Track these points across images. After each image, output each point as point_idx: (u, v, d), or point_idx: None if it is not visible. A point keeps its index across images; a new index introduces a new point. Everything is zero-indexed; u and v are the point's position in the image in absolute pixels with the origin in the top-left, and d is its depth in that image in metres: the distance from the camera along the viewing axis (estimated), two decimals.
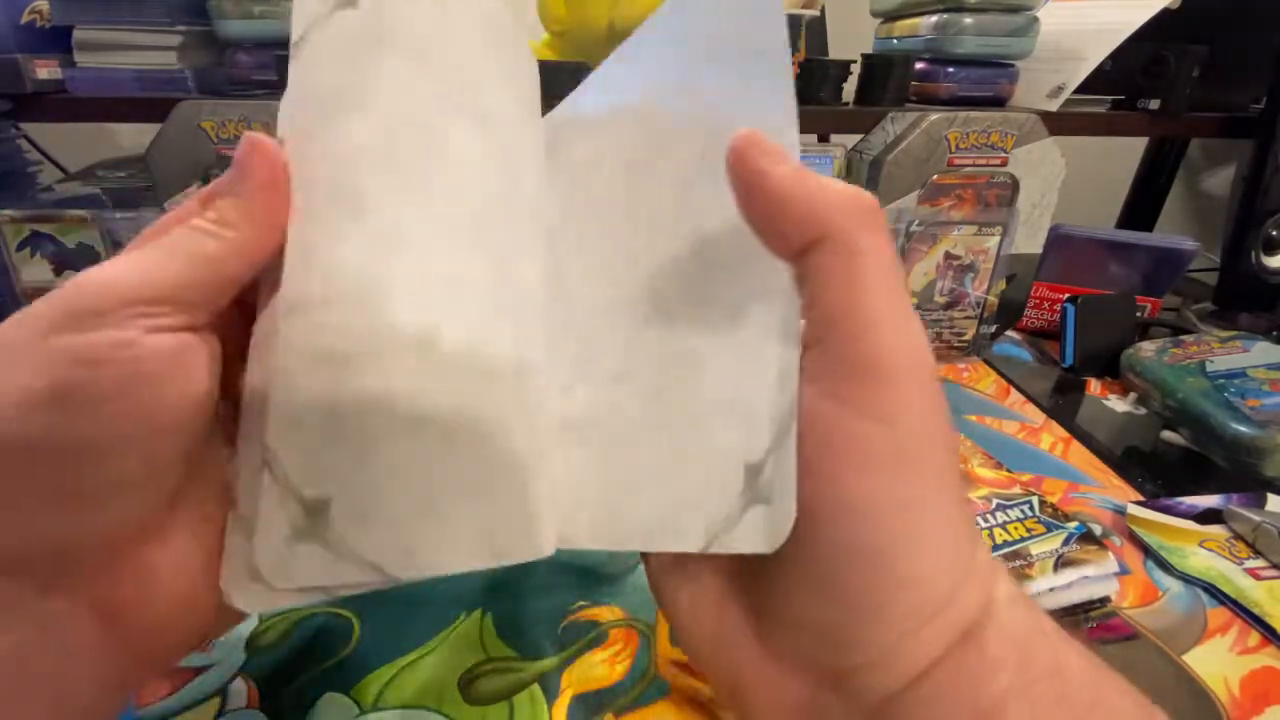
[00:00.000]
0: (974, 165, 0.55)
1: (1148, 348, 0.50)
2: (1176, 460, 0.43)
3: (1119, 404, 0.49)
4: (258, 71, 0.50)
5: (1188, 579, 0.32)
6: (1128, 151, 0.83)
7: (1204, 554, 0.34)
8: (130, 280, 0.16)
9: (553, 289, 0.21)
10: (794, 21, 0.53)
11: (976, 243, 0.51)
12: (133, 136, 0.78)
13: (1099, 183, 0.80)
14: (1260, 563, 0.33)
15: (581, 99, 0.24)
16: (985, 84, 0.57)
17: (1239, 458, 0.40)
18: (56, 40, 0.49)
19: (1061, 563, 0.30)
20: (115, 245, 0.45)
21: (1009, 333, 0.61)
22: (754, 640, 0.19)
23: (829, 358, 0.17)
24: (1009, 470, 0.38)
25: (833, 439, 0.16)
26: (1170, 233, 0.65)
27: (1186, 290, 0.68)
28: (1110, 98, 0.65)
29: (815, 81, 0.55)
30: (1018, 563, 0.30)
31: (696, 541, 0.18)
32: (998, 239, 0.51)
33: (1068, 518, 0.33)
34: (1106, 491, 0.39)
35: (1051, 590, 0.30)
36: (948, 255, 0.52)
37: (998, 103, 0.58)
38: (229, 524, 0.17)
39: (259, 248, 0.17)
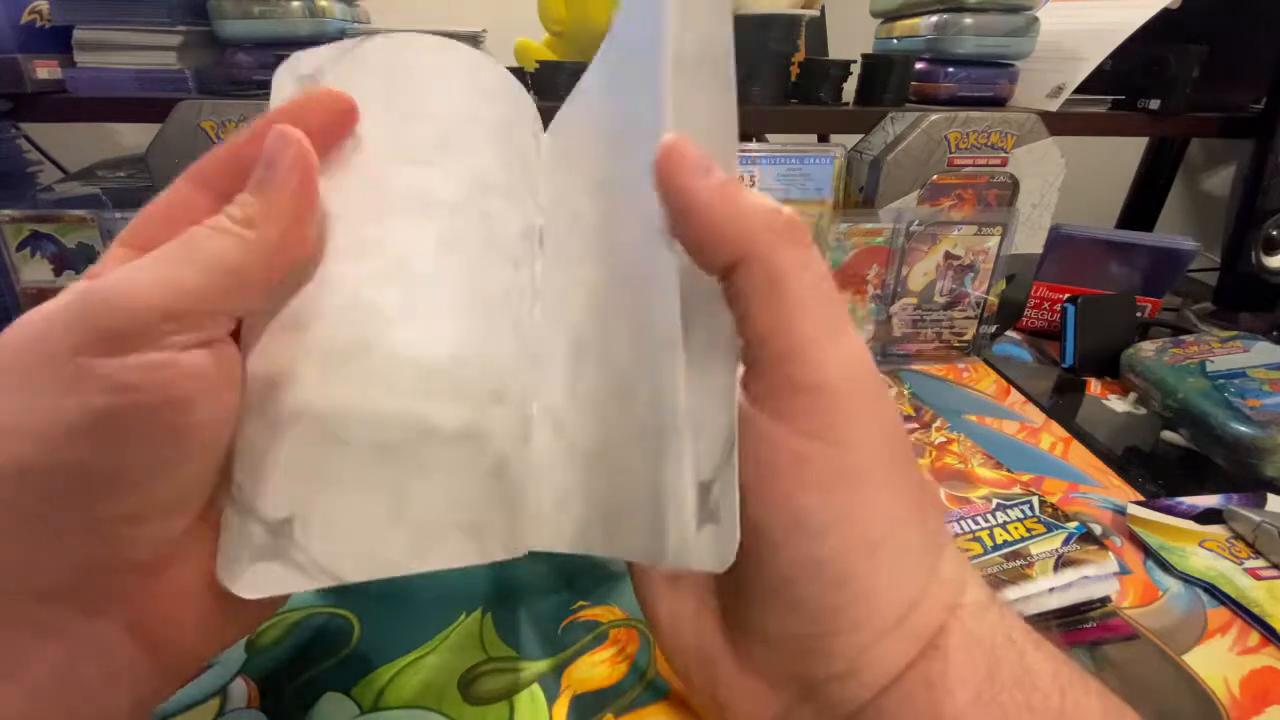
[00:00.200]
0: (974, 165, 0.55)
1: (1148, 348, 0.50)
2: (1176, 460, 0.43)
3: (1119, 404, 0.49)
4: (257, 71, 0.50)
5: (1188, 579, 0.32)
6: (1128, 151, 0.83)
7: (1204, 554, 0.34)
8: (154, 295, 0.15)
9: (525, 305, 0.21)
10: (794, 21, 0.52)
11: (976, 243, 0.51)
12: (133, 136, 0.78)
13: (1099, 183, 0.80)
14: (1260, 563, 0.33)
15: (566, 107, 0.24)
16: (985, 84, 0.57)
17: (1239, 458, 0.40)
18: (56, 40, 0.49)
19: (1062, 563, 0.30)
20: None
21: (1009, 333, 0.61)
22: (730, 654, 0.19)
23: (766, 378, 0.17)
24: (1009, 470, 0.38)
25: (778, 458, 0.16)
26: (1170, 233, 0.65)
27: (1186, 290, 0.68)
28: (1110, 98, 0.65)
29: (815, 81, 0.55)
30: (1018, 563, 0.30)
31: (660, 556, 0.17)
32: (998, 239, 0.51)
33: (1068, 518, 0.33)
34: (1106, 491, 0.39)
35: (1051, 590, 0.30)
36: (948, 255, 0.52)
37: (998, 103, 0.58)
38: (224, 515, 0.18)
39: (283, 252, 0.16)
